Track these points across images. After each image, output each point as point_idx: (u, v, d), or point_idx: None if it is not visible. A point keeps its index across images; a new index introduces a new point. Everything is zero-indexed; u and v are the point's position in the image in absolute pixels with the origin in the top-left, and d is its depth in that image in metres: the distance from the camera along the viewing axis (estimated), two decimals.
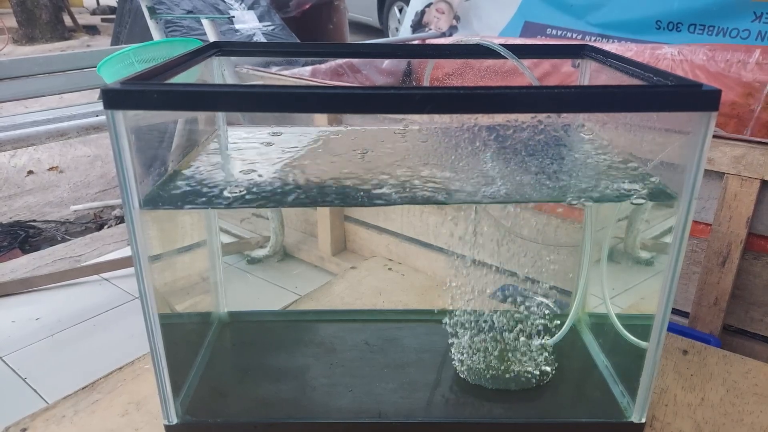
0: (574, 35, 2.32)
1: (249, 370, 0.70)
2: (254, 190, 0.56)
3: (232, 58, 0.71)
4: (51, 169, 2.60)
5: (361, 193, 0.56)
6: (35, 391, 1.19)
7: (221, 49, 0.69)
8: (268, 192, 0.56)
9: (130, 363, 0.73)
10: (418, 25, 2.76)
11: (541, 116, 0.62)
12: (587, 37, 2.28)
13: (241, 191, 0.55)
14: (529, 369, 0.68)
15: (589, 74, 0.71)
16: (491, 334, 0.70)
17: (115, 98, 0.46)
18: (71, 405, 0.66)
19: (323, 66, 1.91)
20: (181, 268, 0.70)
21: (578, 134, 0.71)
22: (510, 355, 0.69)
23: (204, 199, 0.55)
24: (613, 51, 0.65)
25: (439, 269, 1.10)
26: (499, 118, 0.62)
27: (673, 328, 0.87)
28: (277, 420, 0.63)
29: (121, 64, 1.28)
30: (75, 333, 1.38)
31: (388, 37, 4.28)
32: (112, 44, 2.71)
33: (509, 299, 0.70)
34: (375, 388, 0.66)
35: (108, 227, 2.02)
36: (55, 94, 1.78)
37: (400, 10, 4.24)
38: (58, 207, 2.24)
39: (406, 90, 0.47)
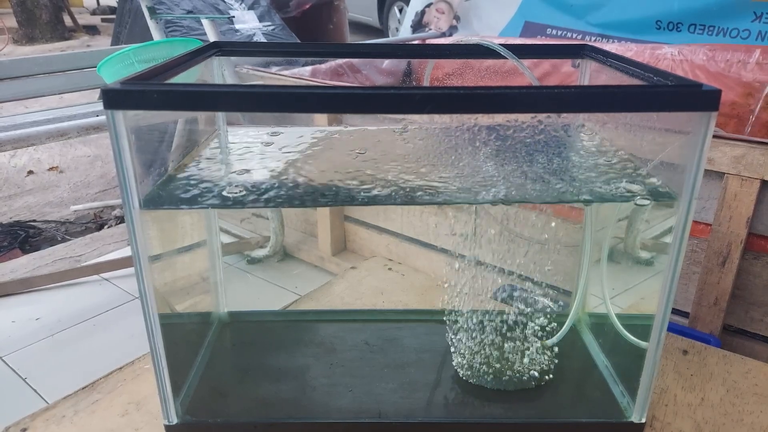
0: (574, 35, 2.32)
1: (249, 370, 0.70)
2: (254, 190, 0.56)
3: (232, 58, 0.71)
4: (51, 169, 2.60)
5: (361, 193, 0.56)
6: (35, 391, 1.19)
7: (221, 49, 0.69)
8: (267, 192, 0.56)
9: (130, 363, 0.73)
10: (418, 25, 2.76)
11: (541, 116, 0.62)
12: (587, 37, 2.28)
13: (240, 191, 0.55)
14: (529, 369, 0.67)
15: (589, 74, 0.71)
16: (491, 334, 0.70)
17: (115, 98, 0.46)
18: (71, 405, 0.66)
19: (323, 66, 1.91)
20: (181, 268, 0.70)
21: (578, 134, 0.71)
22: (510, 355, 0.69)
23: (204, 199, 0.55)
24: (613, 51, 0.65)
25: (439, 269, 1.10)
26: (499, 118, 0.62)
27: (673, 328, 0.87)
28: (277, 420, 0.63)
29: (121, 64, 1.28)
30: (75, 333, 1.38)
31: (388, 37, 4.28)
32: (112, 44, 2.71)
33: (509, 299, 0.70)
34: (375, 388, 0.66)
35: (108, 227, 2.03)
36: (55, 94, 1.78)
37: (400, 10, 4.24)
38: (58, 207, 2.24)
39: (406, 90, 0.47)
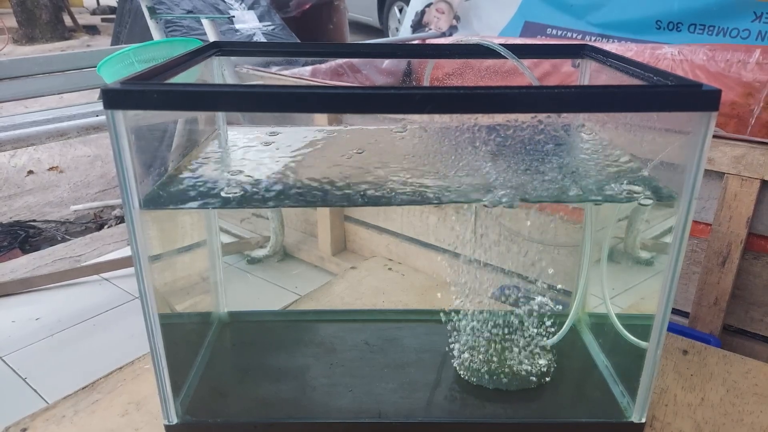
0: (574, 35, 2.32)
1: (249, 370, 0.70)
2: (254, 190, 0.56)
3: (232, 58, 0.71)
4: (51, 169, 2.60)
5: (361, 193, 0.56)
6: (35, 391, 1.19)
7: (221, 49, 0.69)
8: (266, 192, 0.56)
9: (130, 363, 0.73)
10: (418, 25, 2.76)
11: (541, 116, 0.62)
12: (587, 37, 2.28)
13: (240, 191, 0.55)
14: (529, 369, 0.67)
15: (589, 74, 0.71)
16: (491, 334, 0.70)
17: (115, 98, 0.46)
18: (71, 405, 0.66)
19: (323, 66, 1.91)
20: (181, 268, 0.70)
21: (579, 134, 0.71)
22: (510, 355, 0.69)
23: (204, 199, 0.55)
24: (613, 51, 0.65)
25: (439, 269, 1.10)
26: (499, 118, 0.62)
27: (673, 328, 0.87)
28: (277, 420, 0.63)
29: (121, 64, 1.28)
30: (75, 333, 1.38)
31: (388, 37, 4.28)
32: (112, 44, 2.71)
33: (509, 299, 0.70)
34: (375, 388, 0.66)
35: (108, 227, 2.03)
36: (55, 94, 1.78)
37: (400, 10, 4.24)
38: (58, 207, 2.24)
39: (406, 90, 0.47)
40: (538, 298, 0.69)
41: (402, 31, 2.94)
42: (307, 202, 0.56)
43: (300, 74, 1.76)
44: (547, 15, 2.40)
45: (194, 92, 0.48)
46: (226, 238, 1.26)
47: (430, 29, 2.70)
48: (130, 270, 1.50)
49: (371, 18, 4.86)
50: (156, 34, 1.78)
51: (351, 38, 3.78)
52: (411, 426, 0.62)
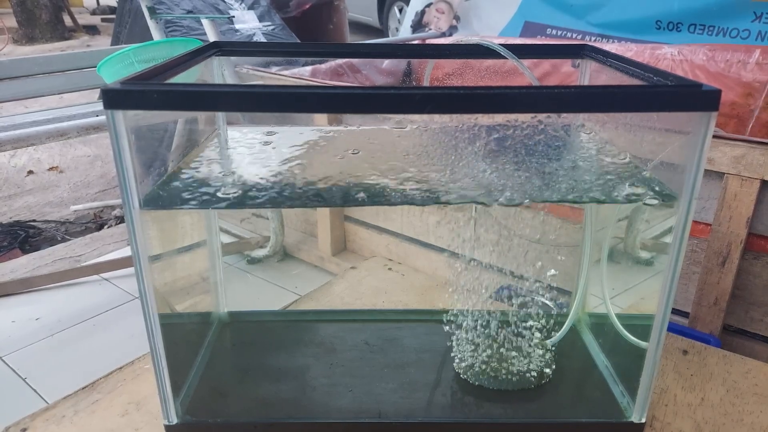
0: (574, 35, 2.32)
1: (249, 370, 0.70)
2: (253, 190, 0.56)
3: (232, 58, 0.71)
4: (51, 169, 2.60)
5: (361, 193, 0.56)
6: (35, 391, 1.19)
7: (221, 49, 0.69)
8: (265, 192, 0.56)
9: (130, 363, 0.73)
10: (418, 25, 2.76)
11: (541, 116, 0.62)
12: (587, 37, 2.28)
13: (240, 191, 0.55)
14: (529, 369, 0.67)
15: (589, 74, 0.71)
16: (491, 335, 0.70)
17: (115, 98, 0.46)
18: (71, 405, 0.66)
19: (323, 66, 1.91)
20: (181, 268, 0.70)
21: (579, 134, 0.71)
22: (510, 355, 0.69)
23: (204, 199, 0.55)
24: (613, 51, 0.65)
25: (439, 269, 1.10)
26: (499, 118, 0.62)
27: (673, 328, 0.87)
28: (277, 420, 0.63)
29: (121, 64, 1.28)
30: (75, 333, 1.38)
31: (388, 37, 4.28)
32: (112, 44, 2.71)
33: (509, 299, 0.70)
34: (375, 388, 0.66)
35: (108, 227, 2.03)
36: (55, 94, 1.78)
37: (400, 10, 4.24)
38: (58, 207, 2.24)
39: (406, 90, 0.47)
40: (539, 299, 0.69)
41: (402, 31, 2.94)
42: (307, 202, 0.56)
43: (300, 74, 1.77)
44: (547, 15, 2.40)
45: (194, 92, 0.48)
46: (226, 238, 1.26)
47: (430, 29, 2.70)
48: (130, 270, 1.50)
49: (371, 18, 4.86)
50: (156, 34, 1.78)
51: (351, 38, 3.78)
52: (411, 426, 0.62)
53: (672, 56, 1.81)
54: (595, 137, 0.69)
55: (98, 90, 1.40)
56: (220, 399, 0.65)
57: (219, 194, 0.55)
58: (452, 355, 0.70)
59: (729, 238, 0.95)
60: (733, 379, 0.70)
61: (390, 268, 1.08)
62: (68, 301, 1.50)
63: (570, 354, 0.72)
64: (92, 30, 6.52)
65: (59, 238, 1.97)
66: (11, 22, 6.07)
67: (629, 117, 0.62)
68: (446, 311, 0.71)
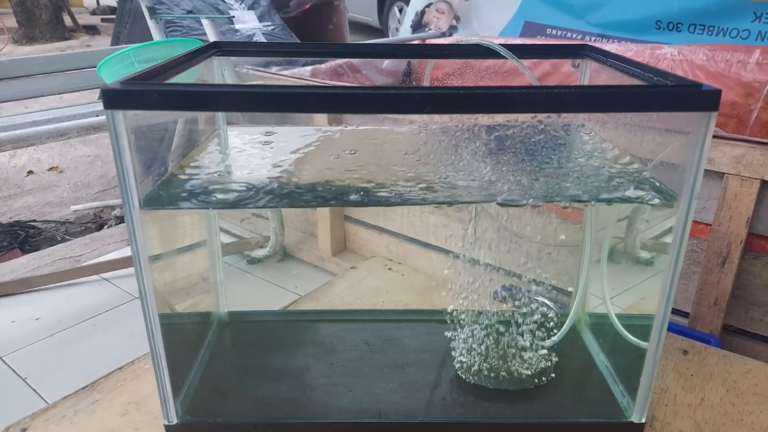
0: (574, 35, 2.32)
1: (249, 370, 0.70)
2: (253, 189, 0.56)
3: (232, 58, 0.71)
4: (51, 169, 2.60)
5: (361, 193, 0.56)
6: (35, 391, 1.19)
7: (221, 49, 0.69)
8: (265, 192, 0.56)
9: (130, 363, 0.73)
10: (418, 25, 2.76)
11: (541, 116, 0.62)
12: (587, 37, 2.28)
13: (240, 191, 0.55)
14: (529, 369, 0.67)
15: (589, 74, 0.71)
16: (491, 334, 0.70)
17: (115, 98, 0.46)
18: (71, 405, 0.66)
19: (323, 66, 1.91)
20: (181, 268, 0.70)
21: (578, 134, 0.71)
22: (510, 355, 0.69)
23: (204, 198, 0.55)
24: (613, 51, 0.65)
25: (439, 269, 1.10)
26: (499, 118, 0.62)
27: (673, 328, 0.87)
28: (277, 420, 0.63)
29: (121, 64, 1.28)
30: (75, 333, 1.38)
31: (388, 37, 4.28)
32: (112, 44, 2.71)
33: (509, 299, 0.70)
34: (375, 388, 0.66)
35: (108, 227, 2.03)
36: (55, 94, 1.78)
37: (400, 10, 4.24)
38: (58, 207, 2.24)
39: (406, 90, 0.47)
40: (539, 298, 0.69)
41: (402, 31, 2.94)
42: (307, 202, 0.57)
43: (300, 74, 1.76)
44: (547, 15, 2.40)
45: (194, 92, 0.48)
46: (226, 238, 1.26)
47: (430, 29, 2.70)
48: (130, 270, 1.50)
49: (371, 18, 4.86)
50: (156, 34, 1.78)
51: (351, 38, 3.78)
52: (411, 426, 0.62)
53: (672, 56, 1.81)
54: (595, 137, 0.69)
55: (98, 90, 1.40)
56: (220, 399, 0.65)
57: (219, 194, 0.55)
58: (452, 354, 0.70)
59: (729, 238, 0.95)
60: (733, 379, 0.70)
61: (390, 268, 1.08)
62: (68, 301, 1.50)
63: (570, 354, 0.72)
64: (92, 30, 6.52)
65: (59, 238, 1.97)
66: (11, 22, 6.07)
67: (629, 117, 0.62)
68: (446, 311, 0.71)
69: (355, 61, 2.03)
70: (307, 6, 3.34)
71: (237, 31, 2.63)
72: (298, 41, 2.73)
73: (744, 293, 0.98)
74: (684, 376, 0.71)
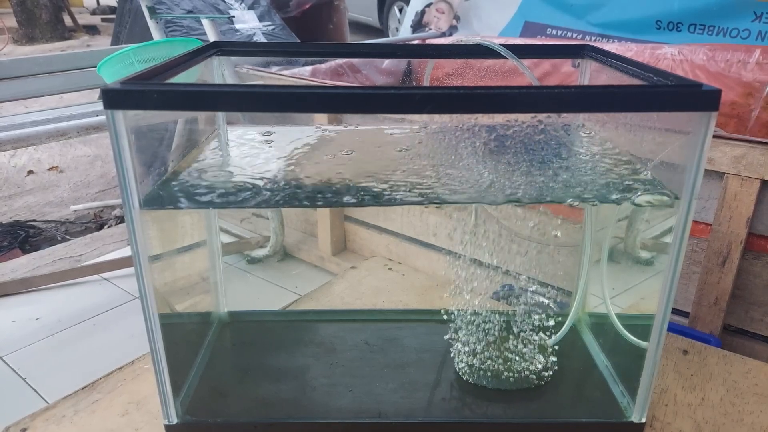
0: (574, 35, 2.32)
1: (249, 370, 0.70)
2: (254, 189, 0.56)
3: (232, 58, 0.71)
4: (51, 169, 2.60)
5: (361, 192, 0.56)
6: (35, 391, 1.19)
7: (221, 49, 0.69)
8: (267, 192, 0.56)
9: (130, 363, 0.73)
10: (418, 25, 2.76)
11: (541, 116, 0.62)
12: (587, 37, 2.28)
13: (240, 191, 0.55)
14: (529, 369, 0.67)
15: (589, 74, 0.71)
16: (491, 334, 0.70)
17: (115, 98, 0.46)
18: (71, 405, 0.66)
19: (323, 66, 1.91)
20: (181, 268, 0.70)
21: (579, 134, 0.71)
22: (510, 355, 0.69)
23: (204, 198, 0.55)
24: (613, 51, 0.65)
25: (439, 269, 1.10)
26: (499, 118, 0.62)
27: (673, 328, 0.87)
28: (277, 420, 0.63)
29: (121, 64, 1.28)
30: (75, 333, 1.38)
31: (388, 37, 4.28)
32: (112, 44, 2.71)
33: (509, 299, 0.70)
34: (375, 388, 0.66)
35: (108, 227, 2.03)
36: (55, 94, 1.78)
37: (400, 10, 4.24)
38: (58, 207, 2.24)
39: (406, 90, 0.47)
40: (539, 298, 0.69)
41: (402, 31, 2.94)
42: (307, 202, 0.56)
43: (300, 74, 1.76)
44: (547, 15, 2.40)
45: (194, 92, 0.48)
46: (226, 238, 1.26)
47: (430, 29, 2.70)
48: (130, 270, 1.50)
49: (371, 18, 4.86)
50: (156, 34, 1.78)
51: (351, 38, 3.78)
52: (411, 426, 0.62)
53: (672, 56, 1.81)
54: (596, 137, 0.69)
55: (98, 90, 1.40)
56: (220, 399, 0.65)
57: (219, 194, 0.55)
58: (452, 354, 0.70)
59: (729, 238, 0.95)
60: (733, 379, 0.70)
61: (390, 268, 1.08)
62: (68, 301, 1.50)
63: (570, 354, 0.72)
64: (92, 30, 6.52)
65: (59, 238, 1.97)
66: (11, 22, 6.07)
67: (629, 117, 0.62)
68: (445, 311, 0.71)
69: (355, 61, 2.03)
70: (307, 6, 3.34)
71: (237, 31, 2.63)
72: (298, 41, 2.73)
73: (744, 293, 0.98)
74: (684, 376, 0.71)
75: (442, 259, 0.69)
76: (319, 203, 0.57)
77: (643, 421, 0.61)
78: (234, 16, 2.65)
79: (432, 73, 0.74)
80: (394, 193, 0.56)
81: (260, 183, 0.58)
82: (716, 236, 0.96)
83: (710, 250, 0.97)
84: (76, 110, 1.54)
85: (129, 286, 1.56)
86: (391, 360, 0.71)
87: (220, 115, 0.72)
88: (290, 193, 0.56)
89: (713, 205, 0.96)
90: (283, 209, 1.42)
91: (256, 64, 1.57)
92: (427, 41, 2.49)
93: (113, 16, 3.34)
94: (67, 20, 6.43)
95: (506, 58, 0.64)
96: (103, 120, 0.56)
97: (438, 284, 0.98)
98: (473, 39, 0.71)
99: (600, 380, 0.68)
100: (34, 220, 2.10)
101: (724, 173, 0.94)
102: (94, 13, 7.91)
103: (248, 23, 2.69)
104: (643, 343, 0.58)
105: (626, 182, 0.58)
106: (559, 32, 2.37)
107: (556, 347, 0.71)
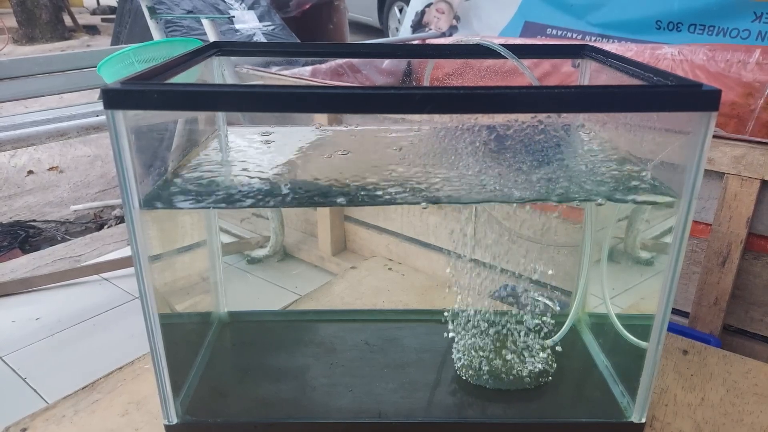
0: (574, 35, 2.32)
1: (249, 370, 0.70)
2: (254, 189, 0.56)
3: (232, 58, 0.71)
4: (51, 169, 2.60)
5: (362, 192, 0.56)
6: (35, 391, 1.19)
7: (221, 49, 0.69)
8: (267, 192, 0.56)
9: (130, 363, 0.73)
10: (418, 25, 2.76)
11: (541, 116, 0.62)
12: (587, 37, 2.28)
13: (240, 191, 0.55)
14: (529, 369, 0.67)
15: (589, 74, 0.71)
16: (492, 334, 0.70)
17: (115, 98, 0.46)
18: (71, 405, 0.66)
19: (323, 66, 1.91)
20: (181, 268, 0.70)
21: (579, 134, 0.71)
22: (510, 355, 0.69)
23: (204, 198, 0.55)
24: (613, 51, 0.65)
25: (439, 269, 1.10)
26: (500, 118, 0.62)
27: (673, 328, 0.87)
28: (277, 420, 0.63)
29: (121, 64, 1.28)
30: (75, 333, 1.38)
31: (388, 37, 4.28)
32: (112, 44, 2.71)
33: (509, 299, 0.70)
34: (375, 388, 0.66)
35: (108, 227, 2.03)
36: (55, 94, 1.78)
37: (400, 10, 4.24)
38: (58, 207, 2.24)
39: (406, 90, 0.47)
40: (539, 298, 0.69)
41: (402, 31, 2.94)
42: (307, 202, 0.56)
43: (300, 74, 1.76)
44: (547, 15, 2.40)
45: (194, 92, 0.48)
46: (226, 238, 1.26)
47: (430, 29, 2.70)
48: (130, 270, 1.50)
49: (371, 18, 4.86)
50: (156, 34, 1.78)
51: (351, 38, 3.78)
52: (411, 426, 0.62)
53: (672, 56, 1.81)
54: (595, 137, 0.69)
55: (98, 90, 1.40)
56: (220, 399, 0.65)
57: (219, 194, 0.55)
58: (452, 355, 0.70)
59: (729, 238, 0.95)
60: (733, 379, 0.70)
61: (390, 268, 1.08)
62: (68, 301, 1.50)
63: (570, 354, 0.72)
64: (92, 30, 6.52)
65: (59, 238, 1.97)
66: (11, 22, 6.07)
67: (629, 117, 0.62)
68: (445, 310, 0.71)
69: (355, 61, 2.03)
70: (307, 6, 3.34)
71: (237, 31, 2.63)
72: (298, 41, 2.73)
73: (744, 293, 0.98)
74: (684, 376, 0.71)
75: (443, 259, 0.69)
76: (319, 203, 0.57)
77: (643, 421, 0.61)
78: (234, 16, 2.65)
79: (432, 73, 0.74)
80: (394, 193, 0.56)
81: (260, 183, 0.58)
82: (716, 236, 0.96)
83: (710, 250, 0.97)
84: (76, 110, 1.54)
85: (129, 286, 1.56)
86: (391, 360, 0.71)
87: (220, 115, 0.72)
88: (290, 193, 0.56)
89: (713, 205, 0.96)
90: (283, 209, 1.42)
91: (256, 64, 1.57)
92: (427, 41, 2.49)
93: (113, 16, 3.34)
94: (67, 20, 6.43)
95: (506, 58, 0.64)
96: (103, 120, 0.56)
97: (438, 284, 0.98)
98: (473, 39, 0.71)
99: (600, 380, 0.68)
100: (34, 220, 2.10)
101: (724, 173, 0.94)
102: (94, 13, 7.91)
103: (248, 23, 2.69)
104: (643, 343, 0.58)
105: (626, 182, 0.58)
106: (559, 32, 2.37)
107: (557, 348, 0.71)
